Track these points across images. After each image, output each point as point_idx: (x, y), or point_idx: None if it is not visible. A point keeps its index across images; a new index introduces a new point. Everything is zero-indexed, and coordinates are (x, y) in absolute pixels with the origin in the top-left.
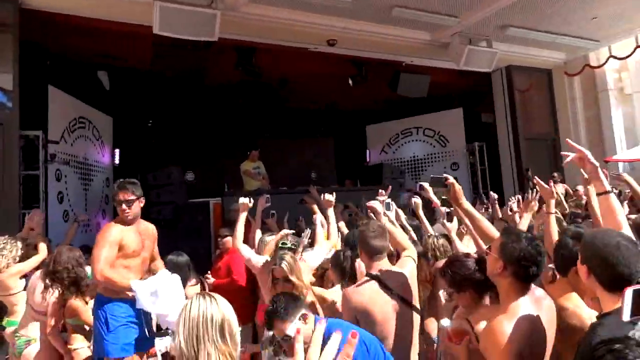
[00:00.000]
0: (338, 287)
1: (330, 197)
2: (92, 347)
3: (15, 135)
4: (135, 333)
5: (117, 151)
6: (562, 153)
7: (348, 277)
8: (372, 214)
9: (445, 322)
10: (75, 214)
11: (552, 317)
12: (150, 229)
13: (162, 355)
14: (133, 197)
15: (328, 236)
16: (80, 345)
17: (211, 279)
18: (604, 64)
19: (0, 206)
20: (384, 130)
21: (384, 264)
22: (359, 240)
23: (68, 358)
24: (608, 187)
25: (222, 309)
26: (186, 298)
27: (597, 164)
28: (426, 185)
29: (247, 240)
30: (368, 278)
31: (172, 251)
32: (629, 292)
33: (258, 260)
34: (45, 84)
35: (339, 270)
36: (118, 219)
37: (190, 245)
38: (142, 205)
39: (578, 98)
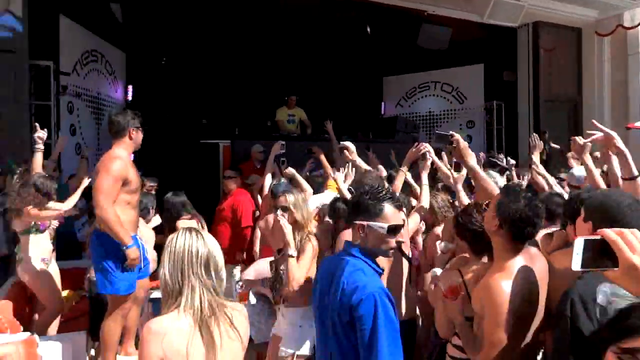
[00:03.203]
0: None
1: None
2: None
3: (25, 64)
4: (139, 267)
5: (130, 87)
6: (589, 132)
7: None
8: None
9: (438, 270)
10: (86, 147)
11: (544, 276)
12: None
13: None
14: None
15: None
16: None
17: None
18: (638, 24)
19: (13, 133)
20: (402, 83)
21: None
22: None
23: None
24: (636, 172)
25: (208, 244)
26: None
27: (626, 149)
28: (430, 148)
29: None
30: None
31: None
32: (579, 241)
33: None
34: (57, 13)
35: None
36: (122, 146)
37: (198, 185)
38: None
39: (606, 60)
